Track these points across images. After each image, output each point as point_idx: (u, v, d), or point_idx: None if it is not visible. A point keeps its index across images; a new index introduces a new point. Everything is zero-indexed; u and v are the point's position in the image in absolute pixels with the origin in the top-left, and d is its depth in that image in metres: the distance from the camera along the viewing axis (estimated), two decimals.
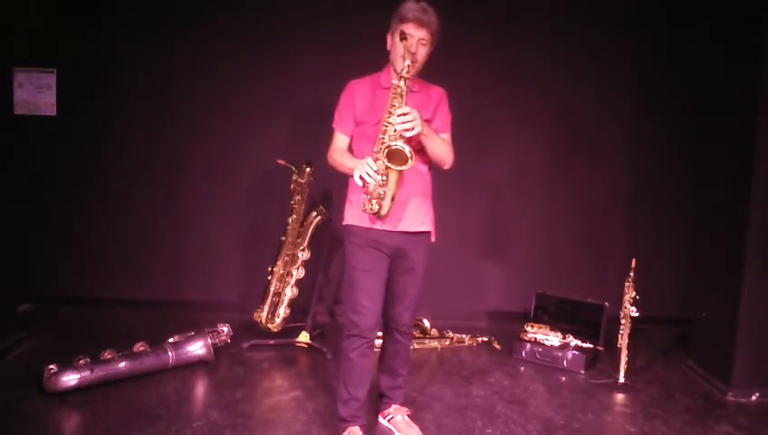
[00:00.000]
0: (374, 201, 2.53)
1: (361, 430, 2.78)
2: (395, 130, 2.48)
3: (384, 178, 2.49)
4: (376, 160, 2.49)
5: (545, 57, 4.45)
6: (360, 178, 2.50)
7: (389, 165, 2.46)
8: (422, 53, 2.59)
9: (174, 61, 4.42)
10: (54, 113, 4.43)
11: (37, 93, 4.42)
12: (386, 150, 2.47)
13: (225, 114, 4.47)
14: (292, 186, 3.94)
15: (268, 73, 4.43)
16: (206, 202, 4.54)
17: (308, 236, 3.97)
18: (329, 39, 4.36)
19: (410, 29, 2.54)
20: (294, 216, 3.95)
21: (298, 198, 3.95)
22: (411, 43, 2.53)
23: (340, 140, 2.74)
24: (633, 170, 4.61)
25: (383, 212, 2.55)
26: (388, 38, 2.65)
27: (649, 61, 4.50)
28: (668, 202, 4.59)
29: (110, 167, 4.51)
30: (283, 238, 3.96)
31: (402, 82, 2.50)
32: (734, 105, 3.54)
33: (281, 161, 3.90)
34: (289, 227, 3.95)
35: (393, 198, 2.54)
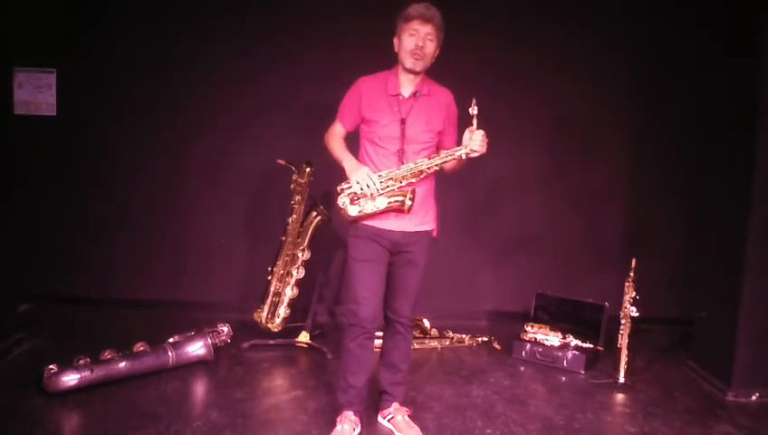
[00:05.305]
0: (352, 205, 2.68)
1: (356, 415, 2.86)
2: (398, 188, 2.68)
3: (373, 196, 2.65)
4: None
5: (546, 57, 4.45)
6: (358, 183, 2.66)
7: (388, 200, 2.66)
8: (429, 47, 2.67)
9: (174, 61, 4.42)
10: (54, 113, 4.43)
11: (37, 93, 4.42)
12: (391, 192, 2.66)
13: (226, 114, 4.47)
14: (292, 186, 3.94)
15: (269, 73, 4.42)
16: (206, 202, 4.54)
17: (308, 236, 3.97)
18: (330, 39, 4.36)
19: (416, 25, 2.64)
20: (294, 216, 3.95)
21: (298, 198, 3.95)
22: (419, 38, 2.64)
23: (339, 128, 2.83)
24: (633, 170, 4.61)
25: (349, 216, 2.70)
26: (395, 41, 2.73)
27: (649, 61, 4.50)
28: (668, 202, 4.59)
29: (110, 167, 4.50)
30: (283, 238, 3.96)
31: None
32: (734, 105, 3.54)
33: (281, 161, 3.91)
34: (289, 227, 3.96)
35: (365, 217, 2.70)
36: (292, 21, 4.38)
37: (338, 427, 2.84)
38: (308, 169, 3.92)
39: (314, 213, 3.96)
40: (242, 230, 4.55)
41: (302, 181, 3.93)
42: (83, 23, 4.38)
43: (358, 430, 2.88)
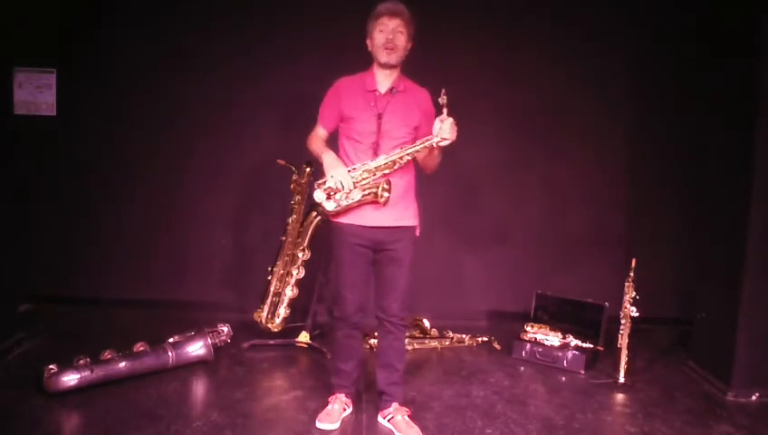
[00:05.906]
0: (328, 200, 2.75)
1: (347, 396, 3.05)
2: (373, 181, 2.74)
3: (348, 192, 2.72)
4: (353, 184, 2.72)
5: (546, 57, 4.45)
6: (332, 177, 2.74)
7: (362, 193, 2.73)
8: (400, 40, 2.77)
9: (174, 61, 4.42)
10: (54, 113, 4.43)
11: (37, 93, 4.41)
12: (366, 184, 2.72)
13: (226, 114, 4.47)
14: (292, 186, 3.94)
15: (269, 73, 4.42)
16: (206, 202, 4.54)
17: (308, 237, 3.97)
18: (330, 39, 4.36)
19: (384, 20, 2.76)
20: (294, 216, 3.96)
21: (298, 197, 3.95)
22: (388, 31, 2.75)
23: (320, 131, 2.93)
24: (633, 170, 4.60)
25: (327, 211, 2.80)
26: (368, 42, 2.84)
27: (649, 60, 4.49)
28: (668, 202, 4.59)
29: (110, 167, 4.50)
30: (283, 238, 3.96)
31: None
32: (734, 105, 3.54)
33: (281, 161, 3.91)
34: (289, 227, 3.96)
35: (343, 210, 2.78)
36: (292, 21, 4.37)
37: (328, 407, 3.00)
38: (308, 169, 3.93)
39: (314, 213, 3.95)
40: (242, 230, 4.55)
41: (302, 181, 3.93)
42: (83, 23, 4.37)
43: (348, 410, 3.05)
